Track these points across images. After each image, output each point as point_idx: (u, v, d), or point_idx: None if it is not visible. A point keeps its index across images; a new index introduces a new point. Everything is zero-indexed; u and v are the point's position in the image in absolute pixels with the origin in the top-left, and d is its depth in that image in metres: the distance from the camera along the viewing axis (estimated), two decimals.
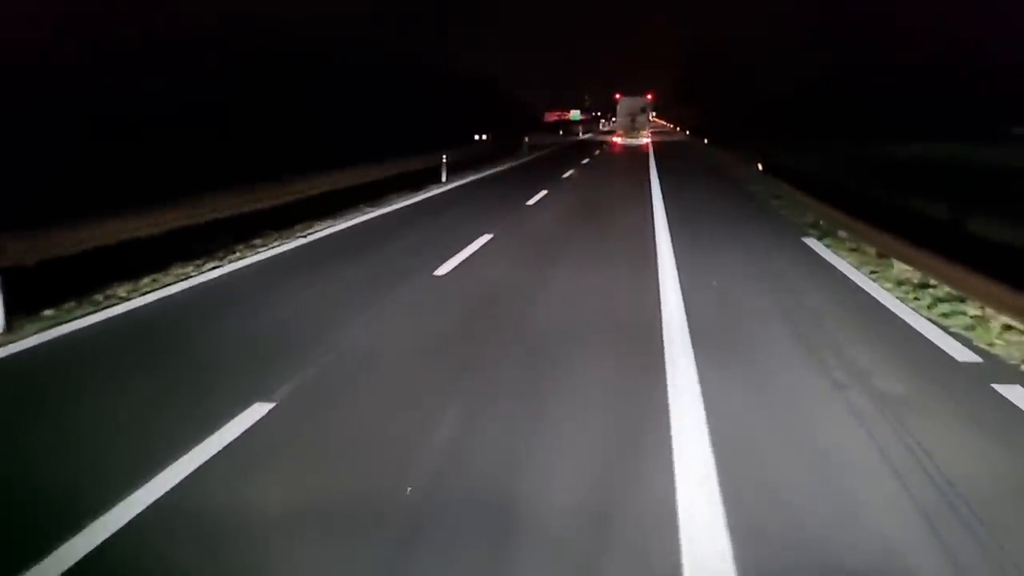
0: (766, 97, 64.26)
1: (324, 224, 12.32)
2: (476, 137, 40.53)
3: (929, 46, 65.90)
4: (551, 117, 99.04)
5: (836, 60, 65.89)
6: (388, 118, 41.33)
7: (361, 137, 35.35)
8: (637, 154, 36.37)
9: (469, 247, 10.20)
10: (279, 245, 10.42)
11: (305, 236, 11.18)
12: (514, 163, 29.40)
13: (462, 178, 21.70)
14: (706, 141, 34.77)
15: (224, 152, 27.76)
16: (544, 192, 17.52)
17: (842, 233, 10.77)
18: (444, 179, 20.42)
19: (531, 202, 15.83)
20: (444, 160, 20.59)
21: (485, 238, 10.95)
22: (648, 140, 47.64)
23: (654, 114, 55.40)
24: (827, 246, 10.27)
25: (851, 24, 72.15)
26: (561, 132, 53.84)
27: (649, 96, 53.28)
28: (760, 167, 17.20)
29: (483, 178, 22.26)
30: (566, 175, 23.09)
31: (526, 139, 35.78)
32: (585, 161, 30.28)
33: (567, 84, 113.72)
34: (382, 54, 47.08)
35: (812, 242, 10.68)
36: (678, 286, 7.97)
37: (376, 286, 7.93)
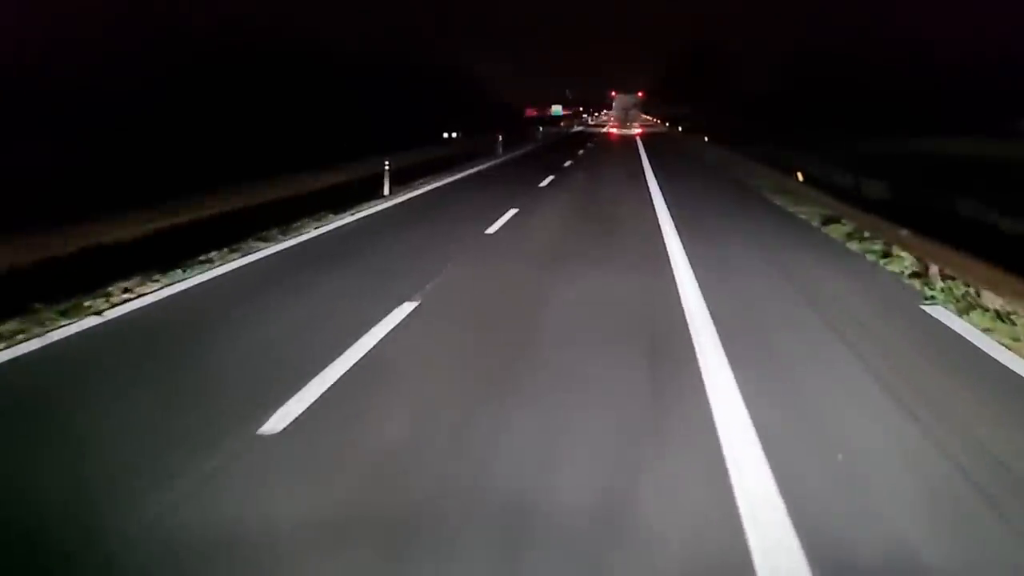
0: (763, 93, 60.32)
1: (161, 283, 7.81)
2: (445, 135, 36.07)
3: (924, 40, 62.44)
4: (531, 113, 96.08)
5: (831, 55, 62.17)
6: (347, 116, 36.74)
7: (313, 138, 30.82)
8: (630, 152, 32.07)
9: (368, 336, 5.83)
10: (21, 343, 5.88)
11: (102, 312, 6.67)
12: (484, 166, 24.96)
13: (412, 189, 17.25)
14: (706, 139, 30.60)
15: (150, 160, 23.52)
16: (512, 212, 13.13)
17: (995, 302, 6.46)
18: (387, 192, 15.95)
19: (492, 229, 11.41)
20: (387, 168, 16.11)
21: (402, 312, 6.56)
22: (639, 131, 54.01)
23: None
24: (986, 331, 5.95)
25: (845, 17, 68.49)
26: (540, 129, 49.50)
27: (640, 94, 62.52)
28: (800, 176, 12.96)
29: (439, 188, 17.81)
30: (543, 183, 18.70)
31: (499, 137, 31.36)
32: (567, 164, 25.86)
33: (549, 79, 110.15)
34: (344, 45, 42.49)
35: (946, 316, 6.38)
36: (756, 437, 3.68)
37: (125, 484, 3.49)
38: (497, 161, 27.46)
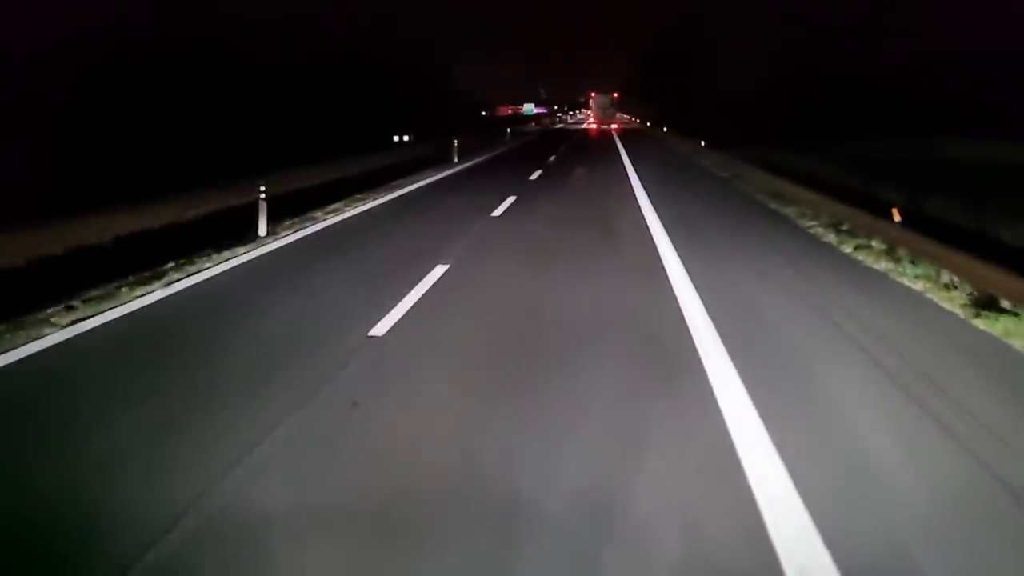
0: (750, 91, 55.79)
1: None
2: (396, 139, 31.00)
3: (916, 34, 58.58)
4: (504, 112, 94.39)
5: (816, 52, 57.94)
6: (278, 118, 31.50)
7: (225, 147, 25.64)
8: (611, 157, 27.17)
9: None
10: None
11: None
12: (430, 180, 19.96)
13: (314, 221, 12.22)
14: (703, 144, 25.71)
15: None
16: (439, 273, 8.18)
17: None
18: (263, 232, 10.87)
19: (385, 324, 6.32)
20: (262, 197, 10.96)
21: None
22: (616, 126, 65.07)
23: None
24: None
25: (828, 11, 64.27)
26: (509, 131, 44.50)
27: (615, 94, 77.22)
28: (897, 216, 8.12)
29: (349, 221, 12.68)
30: (499, 210, 13.62)
31: (455, 142, 26.30)
32: (535, 176, 20.86)
33: (524, 77, 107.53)
34: (282, 39, 37.18)
35: None
36: None
37: None
38: (449, 172, 22.41)
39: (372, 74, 41.07)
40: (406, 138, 30.64)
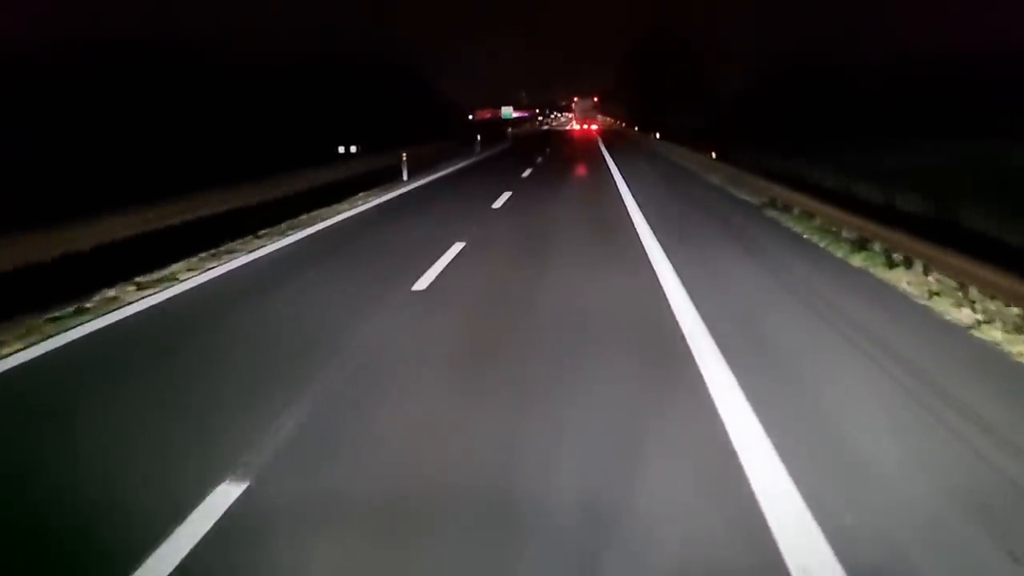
0: (740, 92, 51.67)
1: None
2: (342, 150, 26.15)
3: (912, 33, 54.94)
4: (483, 115, 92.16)
5: (810, 50, 54.16)
6: (211, 125, 26.61)
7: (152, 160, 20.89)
8: (600, 170, 22.48)
9: None
10: None
11: None
12: (365, 207, 15.17)
13: (118, 304, 7.36)
14: (713, 155, 20.99)
15: None
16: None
17: None
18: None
19: None
20: None
21: None
22: (597, 127, 73.79)
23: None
24: None
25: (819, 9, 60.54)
26: (479, 138, 39.83)
27: (595, 98, 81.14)
28: None
29: (193, 295, 7.83)
30: (425, 280, 8.76)
31: (404, 156, 21.48)
32: (501, 202, 16.00)
33: (507, 79, 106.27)
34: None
35: None
36: None
37: None
38: (390, 196, 17.57)
39: (329, 74, 36.26)
40: (352, 149, 25.77)
